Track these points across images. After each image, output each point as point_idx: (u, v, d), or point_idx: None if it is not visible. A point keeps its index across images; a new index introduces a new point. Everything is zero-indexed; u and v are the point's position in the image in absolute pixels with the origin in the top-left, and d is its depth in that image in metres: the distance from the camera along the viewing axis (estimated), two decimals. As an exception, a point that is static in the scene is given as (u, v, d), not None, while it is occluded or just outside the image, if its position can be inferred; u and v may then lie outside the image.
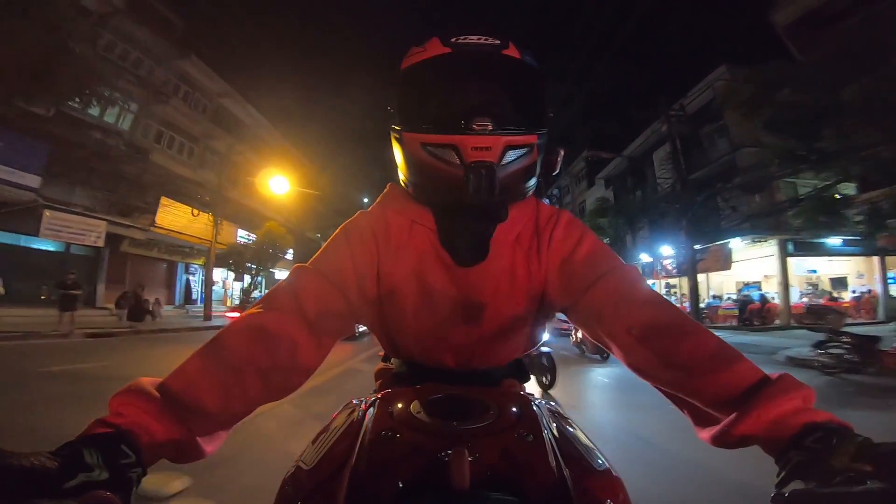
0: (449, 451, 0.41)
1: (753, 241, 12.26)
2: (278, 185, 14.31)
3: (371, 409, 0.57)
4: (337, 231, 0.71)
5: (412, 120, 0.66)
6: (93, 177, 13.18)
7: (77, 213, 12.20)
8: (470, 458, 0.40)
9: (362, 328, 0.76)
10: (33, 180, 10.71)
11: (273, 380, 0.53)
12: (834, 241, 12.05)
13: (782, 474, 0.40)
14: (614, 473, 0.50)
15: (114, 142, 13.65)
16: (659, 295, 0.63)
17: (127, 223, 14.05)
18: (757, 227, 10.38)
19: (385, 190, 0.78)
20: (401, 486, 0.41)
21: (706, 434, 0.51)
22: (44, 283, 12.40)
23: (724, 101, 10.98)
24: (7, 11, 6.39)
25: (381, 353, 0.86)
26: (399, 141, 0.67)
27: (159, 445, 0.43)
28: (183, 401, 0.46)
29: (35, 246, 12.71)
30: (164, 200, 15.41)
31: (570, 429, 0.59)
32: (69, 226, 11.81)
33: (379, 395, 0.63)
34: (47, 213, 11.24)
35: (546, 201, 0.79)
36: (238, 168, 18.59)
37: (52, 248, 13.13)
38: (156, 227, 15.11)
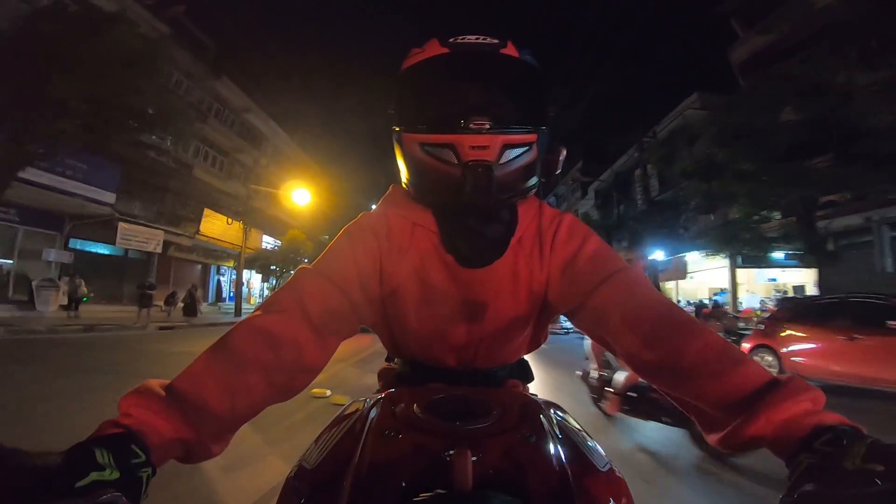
0: (452, 452, 0.41)
1: (706, 255, 14.48)
2: (299, 196, 16.43)
3: (374, 410, 0.58)
4: (339, 233, 0.72)
5: (411, 120, 0.67)
6: (147, 191, 15.45)
7: (141, 224, 14.46)
8: (473, 459, 0.40)
9: None
10: (110, 197, 12.91)
11: (278, 381, 0.54)
12: (777, 255, 14.27)
13: (794, 477, 0.39)
14: (617, 474, 0.50)
15: (165, 159, 15.87)
16: (664, 297, 0.63)
17: (178, 231, 16.32)
18: (710, 242, 12.72)
19: (388, 192, 0.79)
20: (403, 486, 0.42)
21: (714, 437, 0.51)
22: (108, 283, 14.71)
23: (648, 155, 13.42)
24: (134, 71, 8.64)
25: None
26: (399, 142, 0.68)
27: (168, 445, 0.44)
28: (190, 402, 0.47)
29: (99, 251, 14.96)
30: (206, 211, 17.66)
31: (573, 429, 0.59)
32: (136, 235, 14.05)
33: (382, 396, 0.64)
34: (122, 225, 13.48)
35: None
36: (262, 180, 20.75)
37: (107, 252, 15.32)
38: (200, 234, 17.37)
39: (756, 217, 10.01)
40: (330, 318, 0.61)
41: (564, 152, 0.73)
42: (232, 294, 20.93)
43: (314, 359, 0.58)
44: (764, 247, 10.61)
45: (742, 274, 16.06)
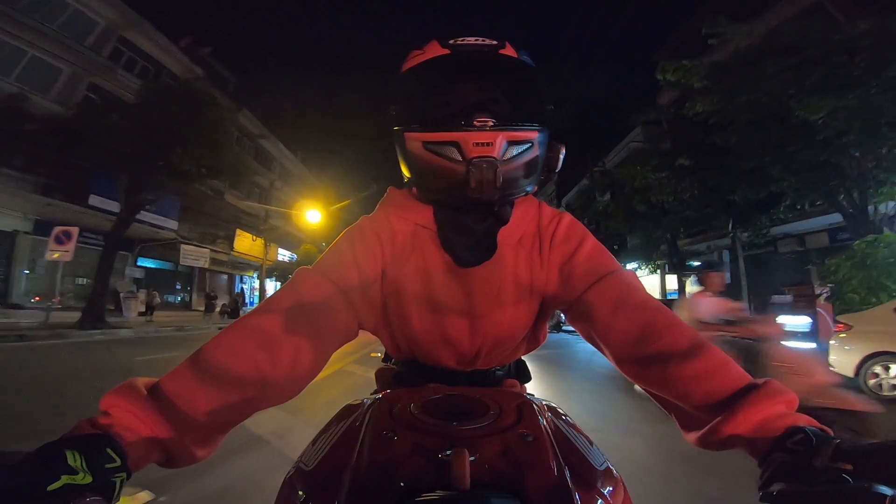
0: (449, 452, 0.41)
1: (638, 266, 18.73)
2: (312, 216, 19.24)
3: (371, 410, 0.57)
4: (341, 235, 0.73)
5: (414, 120, 0.68)
6: (192, 215, 18.64)
7: (194, 245, 17.73)
8: (470, 459, 0.41)
9: None
10: (174, 224, 16.18)
11: (272, 383, 0.53)
12: (696, 263, 18.63)
13: (766, 474, 0.41)
14: (615, 473, 0.51)
15: (204, 187, 19.00)
16: (654, 300, 0.64)
17: (217, 249, 19.61)
18: (638, 255, 17.18)
19: (386, 194, 0.79)
20: (401, 486, 0.42)
21: (693, 436, 0.53)
22: (163, 292, 17.89)
23: (595, 183, 18.07)
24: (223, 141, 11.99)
25: None
26: (400, 141, 0.68)
27: (147, 449, 0.43)
28: (175, 404, 0.45)
29: (154, 266, 18.13)
30: (238, 231, 20.96)
31: (571, 429, 0.59)
32: (192, 254, 17.31)
33: (379, 396, 0.64)
34: (184, 246, 16.76)
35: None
36: (276, 200, 23.94)
37: (158, 267, 18.44)
38: (235, 251, 20.69)
39: (658, 241, 14.80)
40: (329, 320, 0.61)
41: (563, 150, 0.74)
42: (252, 300, 24.26)
43: (309, 362, 0.57)
44: (652, 262, 15.97)
45: (657, 281, 20.05)
